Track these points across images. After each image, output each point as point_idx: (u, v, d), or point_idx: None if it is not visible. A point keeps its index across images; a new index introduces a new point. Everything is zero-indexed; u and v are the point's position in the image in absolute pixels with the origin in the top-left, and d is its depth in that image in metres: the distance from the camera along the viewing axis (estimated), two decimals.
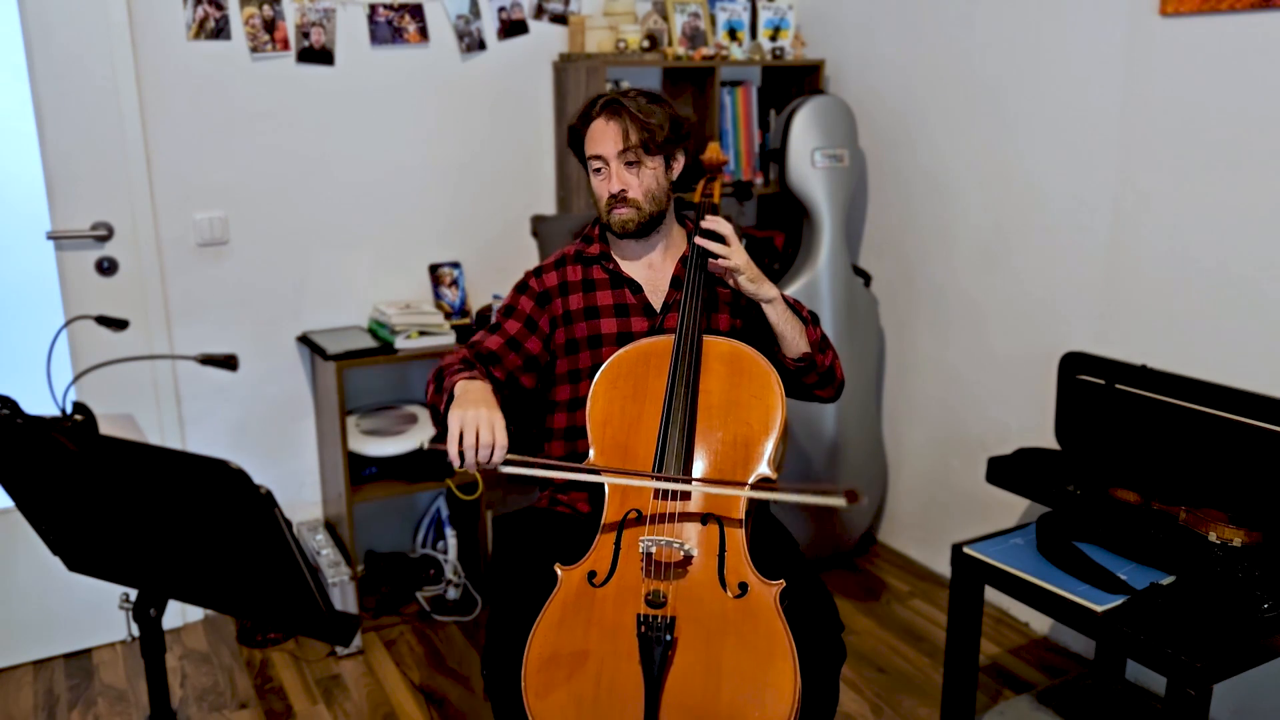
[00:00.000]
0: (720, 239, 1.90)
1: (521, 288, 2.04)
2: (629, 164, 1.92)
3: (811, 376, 1.98)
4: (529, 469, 1.74)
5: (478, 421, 1.67)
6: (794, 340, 1.93)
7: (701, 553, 1.69)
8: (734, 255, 1.88)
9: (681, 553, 1.67)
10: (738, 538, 1.70)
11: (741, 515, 1.72)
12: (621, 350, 1.88)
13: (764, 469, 1.76)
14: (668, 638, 1.58)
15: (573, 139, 2.01)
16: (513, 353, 1.99)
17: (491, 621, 1.86)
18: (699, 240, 1.90)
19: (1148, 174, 2.53)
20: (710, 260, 1.90)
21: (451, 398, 1.76)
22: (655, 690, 1.56)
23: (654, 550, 1.67)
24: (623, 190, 1.92)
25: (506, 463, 1.69)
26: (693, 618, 1.62)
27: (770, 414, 1.79)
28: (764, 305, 1.92)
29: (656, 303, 2.00)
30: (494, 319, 2.03)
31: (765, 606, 1.63)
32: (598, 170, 1.95)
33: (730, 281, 1.91)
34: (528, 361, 2.00)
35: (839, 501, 1.68)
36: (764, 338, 1.96)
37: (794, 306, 1.98)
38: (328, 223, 3.08)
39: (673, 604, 1.63)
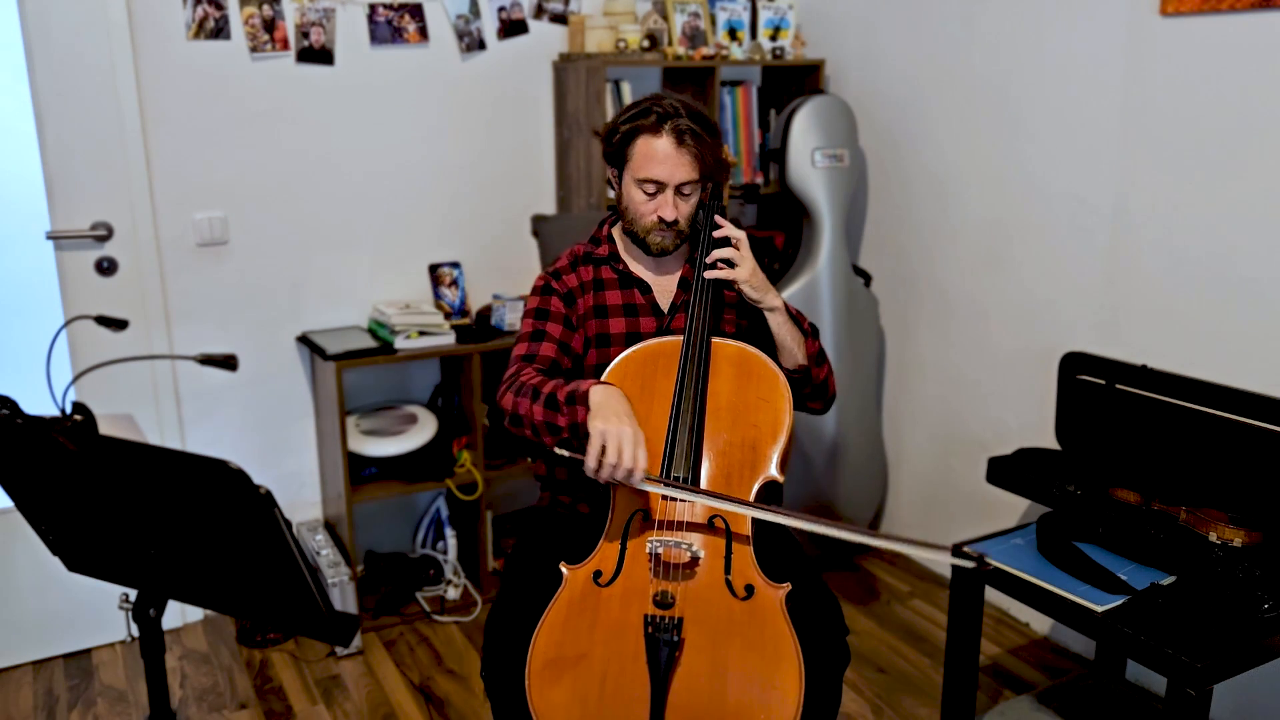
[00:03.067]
0: (728, 241, 1.89)
1: (545, 290, 1.98)
2: (684, 194, 1.89)
3: (806, 388, 1.99)
4: (654, 485, 1.68)
5: (621, 440, 1.61)
6: (792, 351, 1.93)
7: (708, 554, 1.69)
8: (741, 269, 1.87)
9: (689, 554, 1.67)
10: (744, 540, 1.70)
11: (748, 522, 1.71)
12: (630, 350, 1.87)
13: (772, 472, 1.75)
14: (675, 638, 1.58)
15: (618, 140, 1.91)
16: (565, 356, 1.94)
17: (491, 621, 1.85)
18: (710, 274, 1.88)
19: (1148, 174, 2.53)
20: (715, 269, 1.89)
21: (588, 405, 1.68)
22: (661, 691, 1.56)
23: (662, 551, 1.66)
24: (675, 218, 1.89)
25: (644, 481, 1.64)
26: (699, 619, 1.62)
27: (778, 417, 1.79)
28: (766, 314, 1.91)
29: (664, 303, 2.00)
30: (526, 328, 1.96)
31: (771, 609, 1.63)
32: (651, 193, 1.89)
33: (736, 288, 1.90)
34: (575, 362, 1.96)
35: (940, 556, 1.59)
36: (765, 341, 1.96)
37: (795, 318, 1.97)
38: (327, 222, 3.08)
39: (680, 605, 1.63)
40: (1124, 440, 2.38)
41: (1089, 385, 2.46)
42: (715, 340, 1.86)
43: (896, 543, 1.65)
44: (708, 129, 1.89)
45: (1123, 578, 2.11)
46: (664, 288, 2.01)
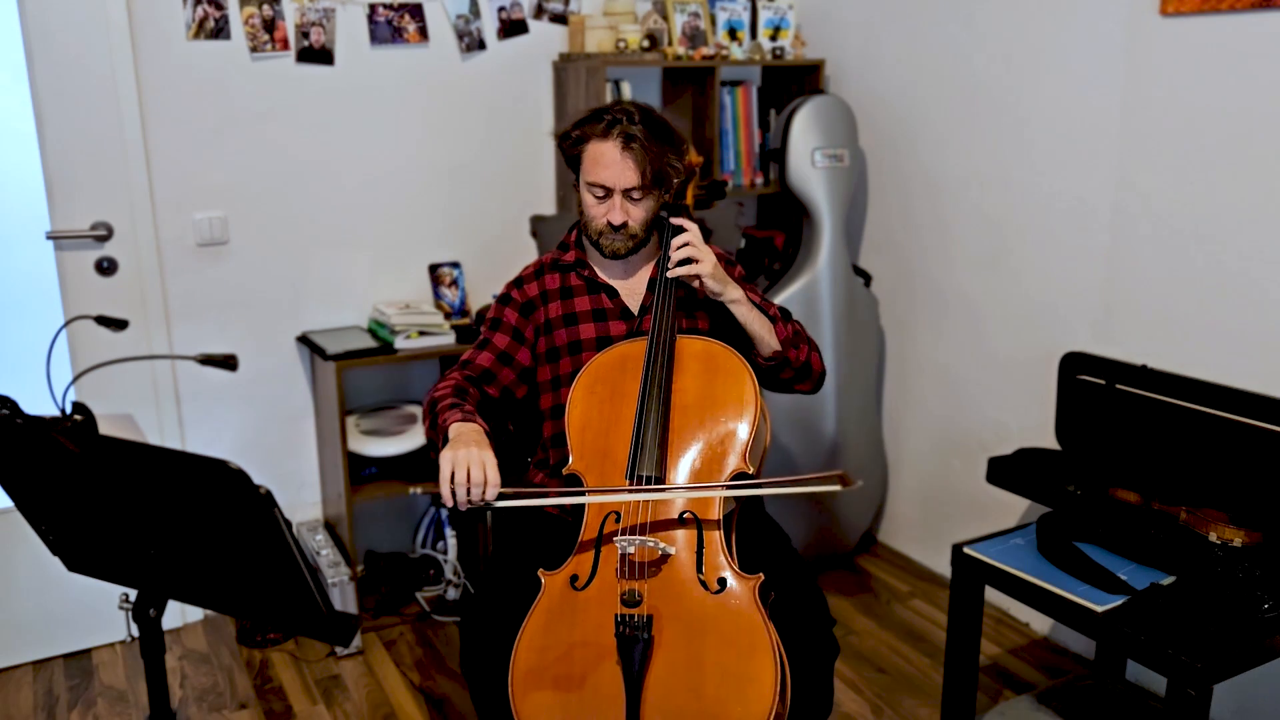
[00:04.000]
0: (686, 243, 1.90)
1: (504, 299, 2.04)
2: (633, 198, 1.91)
3: (787, 372, 2.00)
4: (520, 500, 1.75)
5: (469, 461, 1.66)
6: (764, 338, 1.95)
7: (680, 550, 1.69)
8: (703, 265, 1.88)
9: (659, 551, 1.67)
10: (715, 533, 1.71)
11: (718, 516, 1.72)
12: (598, 355, 1.90)
13: (741, 464, 1.76)
14: (645, 636, 1.59)
15: (569, 145, 1.95)
16: (505, 367, 1.99)
17: (471, 624, 1.85)
18: (672, 272, 1.89)
19: (1148, 174, 2.53)
20: (673, 265, 1.90)
21: (447, 439, 1.75)
22: (636, 690, 1.57)
23: (632, 550, 1.67)
24: (624, 222, 1.91)
25: (500, 497, 1.69)
26: (673, 615, 1.63)
27: (744, 409, 1.80)
28: (729, 306, 1.93)
29: (634, 305, 2.01)
30: (481, 334, 2.03)
31: (745, 601, 1.63)
32: (599, 197, 1.92)
33: (695, 285, 1.92)
34: (521, 374, 2.01)
35: (833, 487, 1.65)
36: (741, 335, 1.97)
37: (761, 306, 1.99)
38: (327, 223, 3.08)
39: (650, 602, 1.64)
40: (1124, 440, 2.38)
41: (1089, 385, 2.46)
42: (681, 337, 1.88)
43: (791, 486, 1.71)
44: (661, 135, 1.90)
45: (1123, 578, 2.11)
46: (632, 290, 2.02)
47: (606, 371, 1.87)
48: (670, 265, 1.90)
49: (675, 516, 1.73)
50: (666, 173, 1.92)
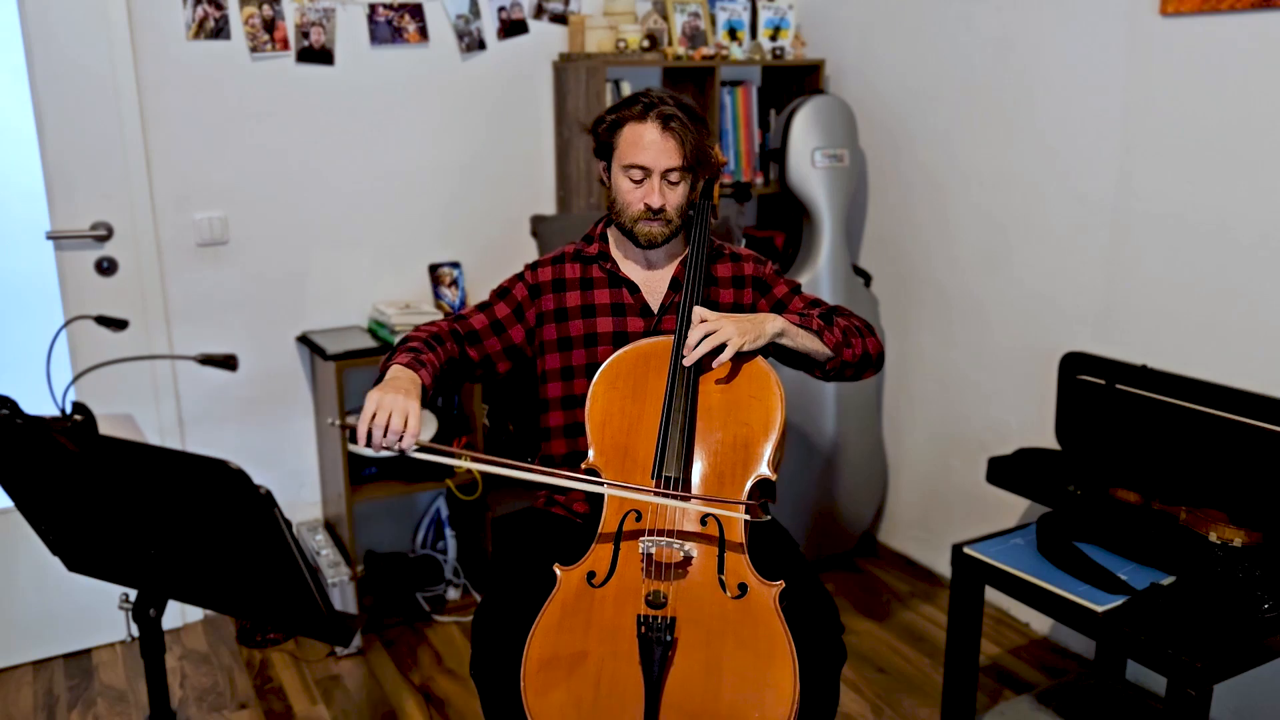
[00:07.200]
0: (704, 330, 1.82)
1: (518, 276, 2.04)
2: (671, 182, 1.90)
3: (848, 371, 1.98)
4: (443, 458, 1.76)
5: (393, 407, 1.68)
6: (817, 350, 1.92)
7: (701, 553, 1.69)
8: (724, 333, 1.78)
9: (681, 553, 1.67)
10: (737, 539, 1.70)
11: (741, 521, 1.72)
12: (621, 351, 1.88)
13: (763, 470, 1.76)
14: (668, 638, 1.58)
15: (604, 130, 1.94)
16: (494, 336, 1.99)
17: (481, 617, 1.85)
18: (687, 362, 1.79)
19: (1148, 174, 2.53)
20: (693, 353, 1.81)
21: (381, 379, 1.78)
22: (655, 691, 1.56)
23: (654, 551, 1.67)
24: (662, 205, 1.90)
25: (418, 449, 1.70)
26: (692, 619, 1.62)
27: (770, 415, 1.79)
28: (778, 342, 1.89)
29: (654, 304, 2.00)
30: (487, 297, 2.03)
31: (765, 607, 1.63)
32: (637, 180, 1.90)
33: (740, 354, 1.83)
34: (508, 348, 2.00)
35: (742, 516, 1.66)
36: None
37: (801, 323, 1.93)
38: (328, 222, 3.08)
39: (672, 605, 1.63)
40: (1124, 440, 2.38)
41: (1089, 385, 2.46)
42: None
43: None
44: (694, 118, 1.91)
45: (1123, 578, 2.11)
46: (654, 288, 2.01)
47: (629, 368, 1.86)
48: (691, 352, 1.78)
49: (698, 519, 1.72)
50: (703, 153, 1.92)
